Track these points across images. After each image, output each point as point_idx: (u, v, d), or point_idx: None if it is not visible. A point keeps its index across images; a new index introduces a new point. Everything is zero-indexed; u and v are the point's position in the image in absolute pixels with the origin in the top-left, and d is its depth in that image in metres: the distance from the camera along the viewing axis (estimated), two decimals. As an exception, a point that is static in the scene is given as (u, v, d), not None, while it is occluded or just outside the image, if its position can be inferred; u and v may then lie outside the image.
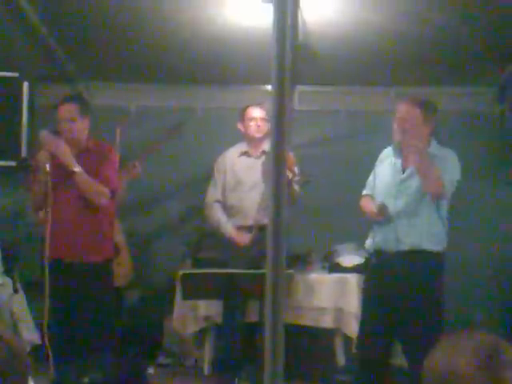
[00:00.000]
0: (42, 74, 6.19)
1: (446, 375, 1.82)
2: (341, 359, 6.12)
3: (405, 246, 4.72)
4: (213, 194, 6.14)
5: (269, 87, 1.54)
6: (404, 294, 4.69)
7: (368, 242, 5.00)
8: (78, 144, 5.09)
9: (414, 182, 4.76)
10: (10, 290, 5.86)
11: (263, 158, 6.05)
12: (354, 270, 6.12)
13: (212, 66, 6.17)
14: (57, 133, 5.14)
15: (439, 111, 4.99)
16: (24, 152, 5.70)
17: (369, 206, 4.96)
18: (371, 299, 4.92)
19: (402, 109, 4.75)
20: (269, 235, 1.87)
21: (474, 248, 6.55)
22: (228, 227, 6.04)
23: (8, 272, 5.90)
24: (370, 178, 5.06)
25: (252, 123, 6.06)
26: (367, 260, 5.11)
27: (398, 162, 4.85)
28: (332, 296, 6.05)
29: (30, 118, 5.82)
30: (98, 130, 6.35)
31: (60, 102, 5.11)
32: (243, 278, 4.68)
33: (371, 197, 5.01)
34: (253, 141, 6.11)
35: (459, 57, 5.88)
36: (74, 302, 4.98)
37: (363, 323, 5.01)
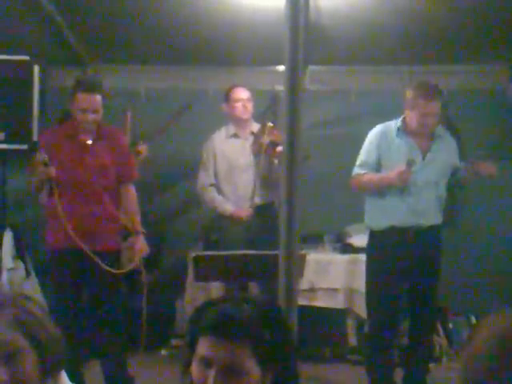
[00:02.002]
0: (52, 57, 6.19)
1: (496, 359, 1.78)
2: (352, 339, 6.14)
3: (429, 221, 5.08)
4: (205, 178, 6.10)
5: (280, 68, 1.54)
6: (423, 264, 5.06)
7: (377, 221, 5.14)
8: (93, 132, 5.03)
9: (436, 164, 5.09)
10: (22, 274, 5.88)
11: (251, 138, 6.04)
12: (366, 250, 6.12)
13: (223, 47, 6.15)
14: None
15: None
16: (35, 135, 5.72)
17: (386, 174, 5.04)
18: (390, 275, 5.03)
19: (433, 106, 4.95)
20: (282, 217, 1.87)
21: (496, 225, 6.54)
22: (226, 205, 6.02)
23: (20, 256, 5.92)
24: (371, 156, 5.13)
25: (238, 104, 6.04)
26: (381, 237, 5.13)
27: (412, 141, 5.08)
28: (344, 277, 6.06)
29: (41, 101, 5.83)
30: (108, 113, 6.38)
31: (83, 90, 4.92)
32: (256, 260, 4.68)
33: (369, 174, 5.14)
34: (240, 122, 6.09)
35: (473, 34, 5.83)
36: (88, 290, 5.04)
37: (380, 301, 5.11)
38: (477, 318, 6.21)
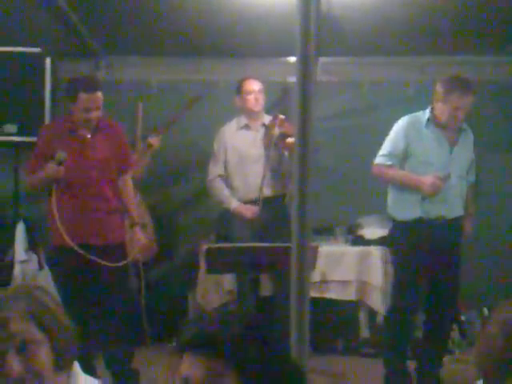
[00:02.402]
0: (64, 49, 6.19)
1: (508, 345, 1.81)
2: (364, 332, 6.14)
3: (455, 213, 5.13)
4: (214, 169, 6.10)
5: (291, 59, 1.53)
6: (447, 256, 5.10)
7: (403, 212, 5.11)
8: (92, 126, 5.03)
9: (461, 157, 5.15)
10: (35, 266, 5.89)
11: (263, 130, 6.04)
12: (378, 242, 6.11)
13: (235, 38, 6.14)
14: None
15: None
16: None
17: (418, 177, 5.02)
18: (416, 266, 5.04)
19: (467, 100, 4.98)
20: (293, 209, 1.86)
21: (508, 216, 6.52)
22: (232, 201, 6.02)
23: (32, 248, 5.93)
24: (398, 146, 5.10)
25: (251, 96, 6.03)
26: (407, 228, 5.11)
27: (440, 133, 5.09)
28: (355, 269, 6.05)
29: (53, 93, 5.83)
30: (119, 105, 6.37)
31: (85, 90, 4.90)
32: (268, 252, 4.68)
33: (395, 167, 5.11)
34: (252, 114, 6.09)
35: (486, 25, 5.81)
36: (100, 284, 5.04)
37: (405, 292, 5.08)
38: (489, 310, 6.20)
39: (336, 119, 6.72)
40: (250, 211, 5.93)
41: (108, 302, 5.01)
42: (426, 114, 5.11)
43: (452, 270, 5.13)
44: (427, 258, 5.03)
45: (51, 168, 4.85)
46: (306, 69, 1.26)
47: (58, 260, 5.09)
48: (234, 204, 6.01)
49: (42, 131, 5.17)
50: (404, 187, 5.10)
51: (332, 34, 5.60)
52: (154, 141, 6.17)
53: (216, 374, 1.67)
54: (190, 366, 1.70)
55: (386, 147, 5.14)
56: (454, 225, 5.14)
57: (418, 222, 5.04)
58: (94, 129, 5.02)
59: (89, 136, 5.02)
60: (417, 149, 5.07)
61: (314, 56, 1.34)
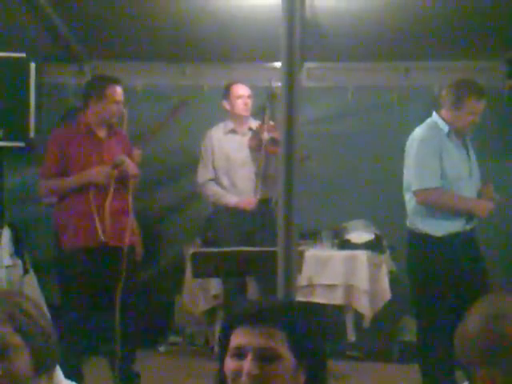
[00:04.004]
0: (48, 54, 6.18)
1: (482, 337, 1.84)
2: (351, 335, 6.14)
3: (476, 223, 4.89)
4: (204, 173, 6.14)
5: (276, 64, 1.53)
6: (480, 263, 4.91)
7: (438, 227, 4.78)
8: (107, 127, 5.08)
9: (475, 163, 4.94)
10: (21, 271, 5.87)
11: (249, 134, 6.07)
12: (364, 246, 6.12)
13: (220, 44, 6.15)
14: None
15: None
16: (32, 132, 5.71)
17: (481, 203, 4.84)
18: (453, 280, 4.74)
19: (483, 104, 4.77)
20: (280, 213, 1.86)
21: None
22: (229, 196, 6.06)
23: (18, 253, 5.91)
24: (437, 163, 4.73)
25: (240, 101, 6.07)
26: (443, 243, 4.76)
27: (459, 142, 4.85)
28: (342, 273, 6.04)
29: (38, 98, 5.82)
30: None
31: (115, 82, 5.04)
32: (254, 256, 4.68)
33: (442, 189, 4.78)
34: (239, 118, 6.13)
35: (469, 31, 5.83)
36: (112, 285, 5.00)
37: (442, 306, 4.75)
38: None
39: (321, 124, 6.73)
40: (250, 203, 6.00)
41: (127, 301, 4.97)
42: (439, 122, 4.80)
43: (482, 276, 4.86)
44: (461, 270, 4.75)
45: (103, 171, 4.92)
46: (290, 74, 1.27)
47: (78, 261, 4.97)
48: (233, 199, 6.05)
49: (53, 135, 5.14)
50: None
51: (317, 39, 5.61)
52: (136, 155, 6.06)
53: (272, 339, 1.91)
54: (247, 335, 1.93)
55: (425, 169, 4.75)
56: (476, 235, 4.91)
57: (455, 236, 4.76)
58: (108, 131, 5.07)
59: (104, 137, 5.06)
60: (447, 164, 4.75)
61: (298, 61, 1.35)
